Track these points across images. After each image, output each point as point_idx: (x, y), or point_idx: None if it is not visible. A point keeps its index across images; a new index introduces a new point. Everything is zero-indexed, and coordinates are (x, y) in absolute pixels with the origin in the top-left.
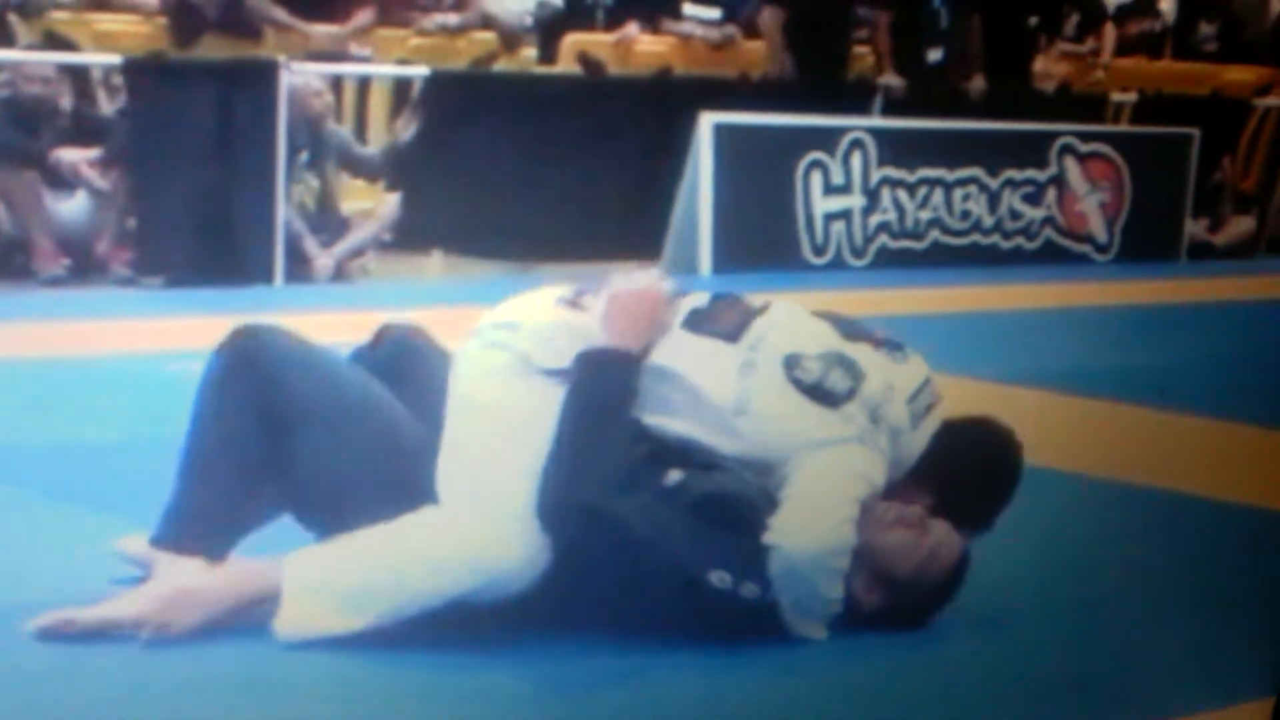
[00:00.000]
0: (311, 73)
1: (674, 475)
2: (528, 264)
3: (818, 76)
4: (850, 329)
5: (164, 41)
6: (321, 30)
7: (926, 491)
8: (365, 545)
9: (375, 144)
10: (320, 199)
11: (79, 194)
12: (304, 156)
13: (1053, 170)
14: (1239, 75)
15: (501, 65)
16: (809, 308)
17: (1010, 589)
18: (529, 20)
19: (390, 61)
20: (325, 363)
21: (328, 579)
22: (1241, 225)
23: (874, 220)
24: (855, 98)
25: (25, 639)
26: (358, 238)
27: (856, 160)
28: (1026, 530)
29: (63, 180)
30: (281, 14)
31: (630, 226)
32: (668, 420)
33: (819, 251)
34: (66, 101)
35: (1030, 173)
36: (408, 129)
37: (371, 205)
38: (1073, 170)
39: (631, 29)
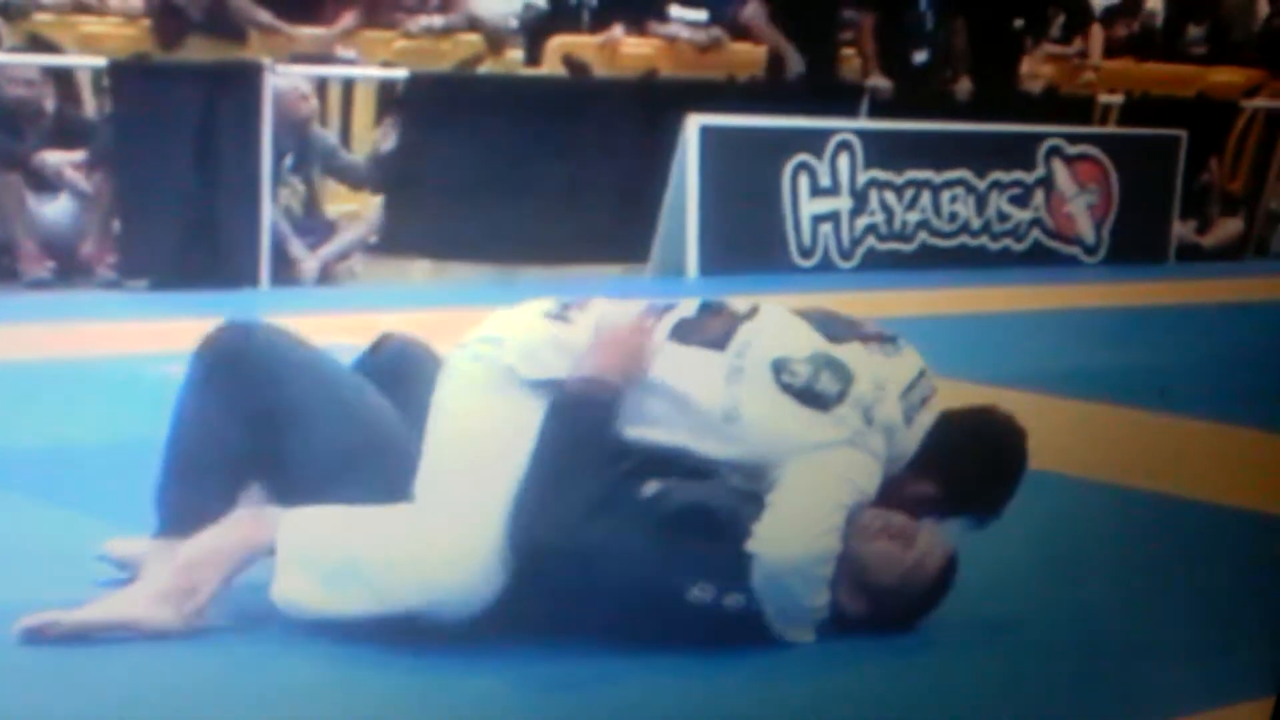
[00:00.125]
0: (296, 75)
1: (652, 487)
2: (514, 267)
3: (805, 78)
4: (837, 328)
5: (148, 43)
6: (306, 32)
7: (929, 482)
8: (349, 530)
9: (361, 146)
10: (306, 202)
11: (63, 196)
12: (289, 160)
13: (1040, 172)
14: (1226, 77)
15: (487, 67)
16: (795, 309)
17: (1004, 591)
18: (514, 22)
19: (375, 64)
20: (315, 359)
21: (315, 558)
22: (1229, 227)
23: (861, 222)
24: (842, 99)
25: (10, 641)
26: (343, 240)
27: (844, 162)
28: (1019, 531)
29: (47, 183)
30: (266, 16)
31: (617, 229)
32: (656, 432)
33: (806, 254)
34: (50, 104)
35: (1018, 174)
36: (389, 139)
37: (357, 208)
38: (1060, 172)
39: (617, 31)
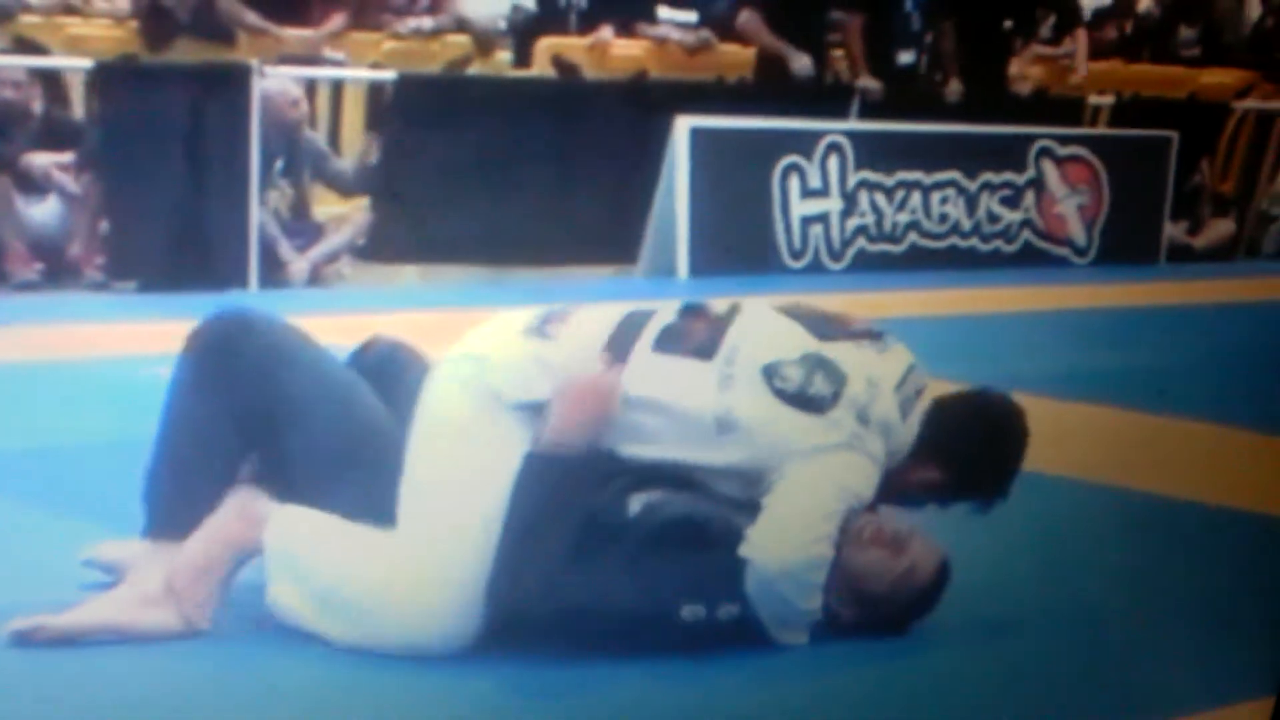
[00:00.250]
0: (285, 77)
1: (640, 504)
2: (504, 269)
3: (795, 80)
4: (825, 326)
5: (136, 45)
6: (294, 34)
7: (931, 467)
8: (334, 553)
9: (350, 148)
10: (294, 206)
11: (51, 198)
12: (280, 164)
13: (1031, 173)
14: (1217, 78)
15: (476, 69)
16: (779, 306)
17: (1003, 593)
18: (502, 24)
19: (364, 65)
20: (310, 349)
21: (302, 573)
22: (1221, 228)
23: (852, 223)
24: (832, 101)
25: None
26: (333, 242)
27: (834, 163)
28: (1013, 532)
29: (34, 184)
30: (254, 18)
31: (607, 231)
32: (650, 448)
33: (797, 255)
34: (38, 105)
35: (1008, 175)
36: (374, 152)
37: (346, 211)
38: (1051, 173)
39: (606, 32)
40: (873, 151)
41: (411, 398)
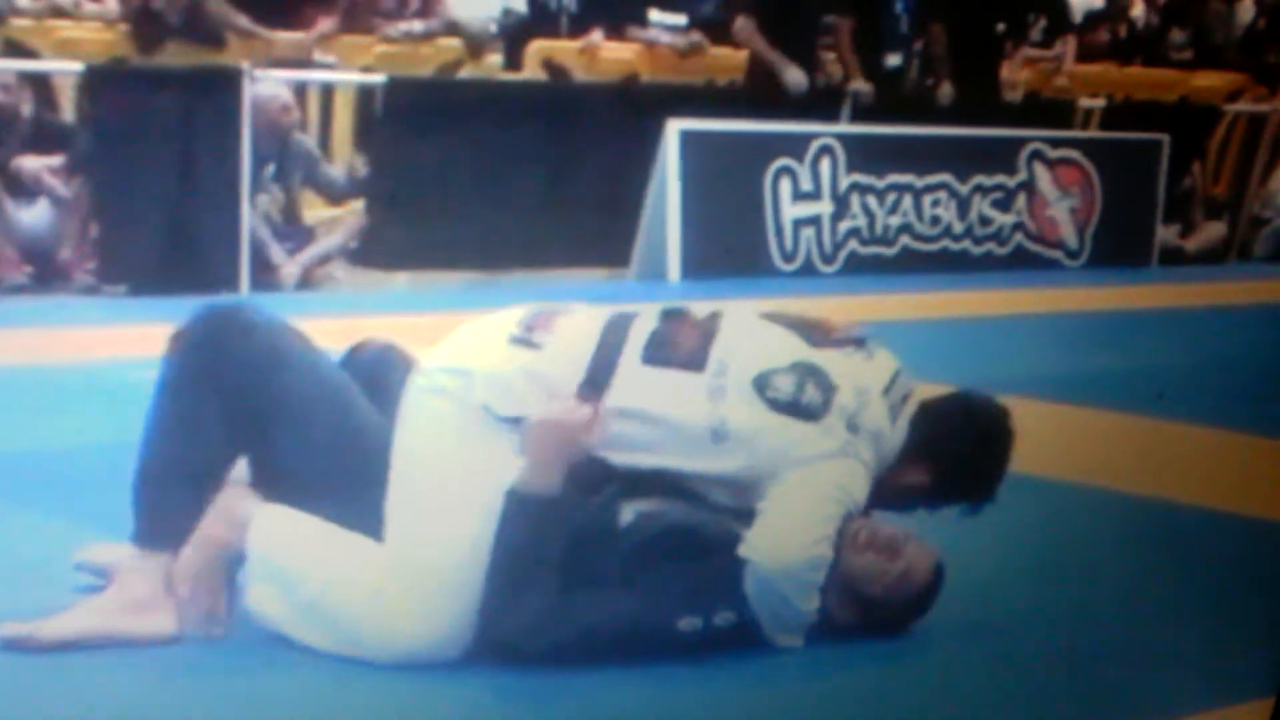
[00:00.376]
0: (276, 80)
1: (632, 515)
2: (496, 272)
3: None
4: (811, 334)
5: (126, 48)
6: (285, 37)
7: (919, 469)
8: (317, 562)
9: (340, 151)
10: (285, 209)
11: (41, 201)
12: (271, 169)
13: (1022, 176)
14: (1208, 81)
15: (467, 72)
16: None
17: (1003, 595)
18: (493, 27)
19: (355, 69)
20: (302, 345)
21: (283, 580)
22: (1213, 231)
23: (843, 226)
24: (824, 104)
25: None
26: (324, 245)
27: (825, 166)
28: (1004, 537)
29: (24, 188)
30: (244, 21)
31: (598, 234)
32: (643, 456)
33: (788, 258)
34: (27, 109)
35: (1000, 178)
36: (362, 166)
37: (338, 213)
38: (1042, 176)
39: (596, 36)
40: (864, 154)
41: (399, 400)
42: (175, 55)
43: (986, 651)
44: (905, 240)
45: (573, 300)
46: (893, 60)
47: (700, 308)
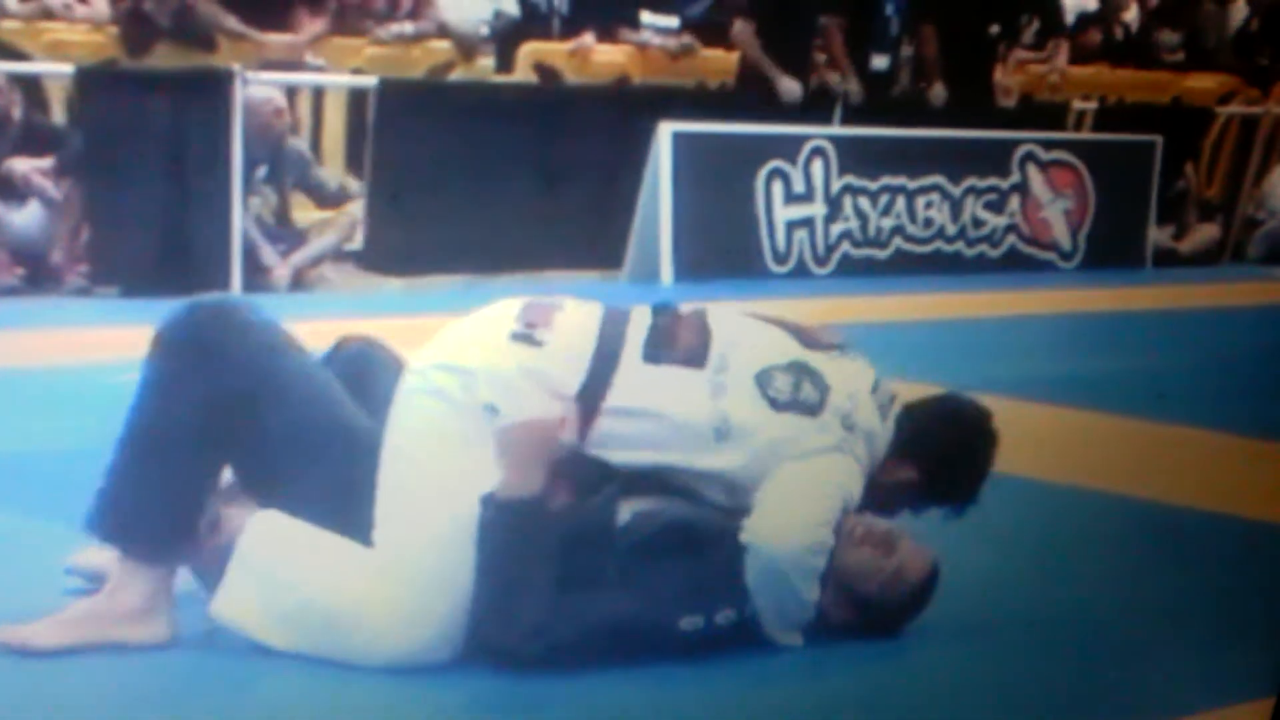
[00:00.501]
0: (268, 82)
1: (628, 513)
2: (488, 275)
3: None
4: (800, 335)
5: (116, 50)
6: (276, 39)
7: (905, 469)
8: (304, 567)
9: (331, 153)
10: (277, 211)
11: (32, 203)
12: (263, 171)
13: (1015, 178)
14: (1201, 83)
15: (458, 74)
16: (768, 316)
17: (1004, 595)
18: (485, 29)
19: (345, 71)
20: (292, 344)
21: (263, 585)
22: (1206, 232)
23: (836, 228)
24: (816, 106)
25: None
26: (316, 247)
27: (818, 168)
28: (999, 538)
29: (15, 190)
30: (235, 23)
31: (591, 236)
32: (646, 452)
33: (781, 260)
34: (18, 111)
35: (993, 180)
36: (353, 184)
37: (331, 215)
38: (1035, 178)
39: (588, 38)
40: (856, 156)
41: (384, 398)
42: (166, 57)
43: (987, 653)
44: (898, 242)
45: None
46: (879, 62)
47: (687, 306)
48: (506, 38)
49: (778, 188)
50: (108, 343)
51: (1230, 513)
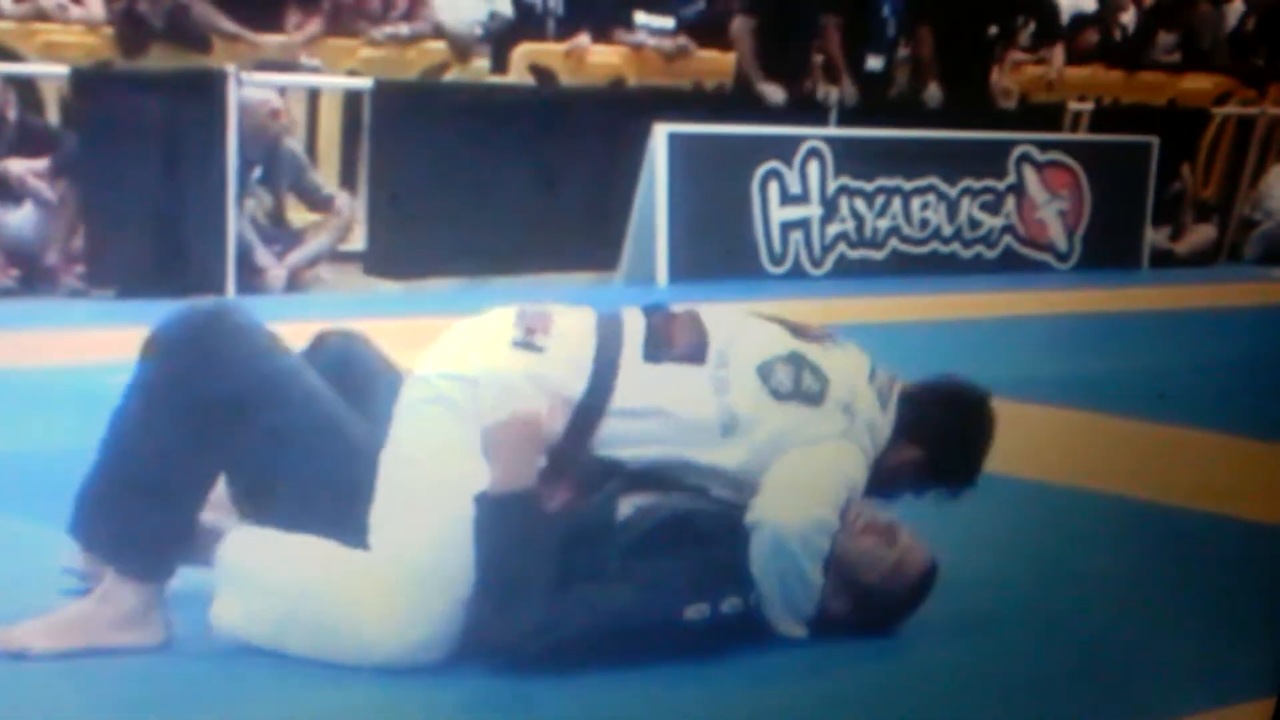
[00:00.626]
0: (263, 84)
1: (632, 507)
2: (482, 277)
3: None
4: (792, 328)
5: (111, 51)
6: (270, 40)
7: (911, 446)
8: (298, 571)
9: (326, 154)
10: (271, 213)
11: (27, 205)
12: (258, 173)
13: (1011, 179)
14: (1197, 84)
15: (453, 75)
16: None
17: (1004, 596)
18: (480, 30)
19: (340, 72)
20: (284, 349)
21: (256, 589)
22: (1203, 234)
23: (832, 229)
24: (812, 107)
25: None
26: (311, 248)
27: (814, 169)
28: (999, 538)
29: (10, 191)
30: (229, 24)
31: (586, 238)
32: (652, 448)
33: (777, 261)
34: (12, 112)
35: (988, 181)
36: (348, 199)
37: (325, 217)
38: (1031, 179)
39: (583, 39)
40: (852, 157)
41: (368, 393)
42: (160, 58)
43: (987, 653)
44: (894, 243)
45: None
46: (874, 63)
47: (679, 306)
48: (501, 39)
49: (773, 189)
50: (103, 344)
51: (1229, 513)
